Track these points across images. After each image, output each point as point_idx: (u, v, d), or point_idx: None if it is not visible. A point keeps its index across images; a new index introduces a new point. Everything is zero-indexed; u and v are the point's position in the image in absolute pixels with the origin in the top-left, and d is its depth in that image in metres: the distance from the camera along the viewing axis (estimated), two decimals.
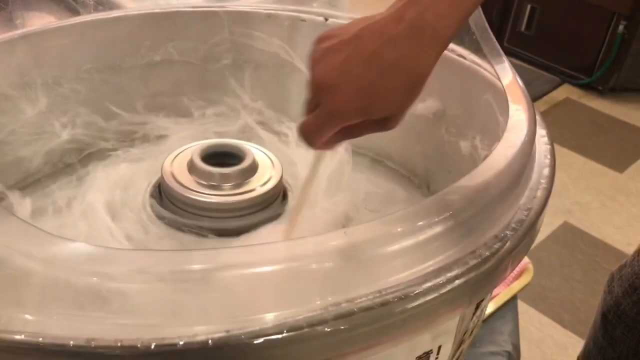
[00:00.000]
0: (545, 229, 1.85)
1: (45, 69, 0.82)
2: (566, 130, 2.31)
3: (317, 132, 0.51)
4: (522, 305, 1.11)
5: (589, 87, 2.59)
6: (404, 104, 0.48)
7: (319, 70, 0.49)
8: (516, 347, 0.92)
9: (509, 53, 2.59)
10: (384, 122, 0.50)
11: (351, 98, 0.47)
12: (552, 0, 2.56)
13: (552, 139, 0.66)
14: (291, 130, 0.87)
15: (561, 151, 2.11)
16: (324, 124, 0.49)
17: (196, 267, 0.42)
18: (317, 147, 0.53)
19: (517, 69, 0.73)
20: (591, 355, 1.01)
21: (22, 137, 0.81)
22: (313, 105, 0.50)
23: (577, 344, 1.50)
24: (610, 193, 2.06)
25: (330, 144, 0.53)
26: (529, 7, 2.65)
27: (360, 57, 0.46)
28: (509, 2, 2.70)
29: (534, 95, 0.56)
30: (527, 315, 1.58)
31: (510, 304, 0.99)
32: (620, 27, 2.40)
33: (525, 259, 0.98)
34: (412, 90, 0.48)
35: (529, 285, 1.01)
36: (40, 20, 0.87)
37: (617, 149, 2.29)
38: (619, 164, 2.20)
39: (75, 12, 0.89)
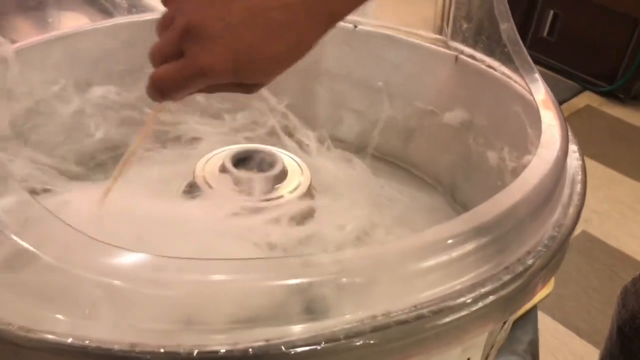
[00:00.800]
0: None
1: (79, 69, 0.84)
2: (586, 138, 2.30)
3: (177, 87, 0.44)
4: (538, 313, 1.11)
5: (610, 95, 2.58)
6: (276, 74, 0.43)
7: (193, 10, 0.41)
8: (535, 357, 0.92)
9: None
10: (249, 87, 0.45)
11: (227, 58, 0.41)
12: (575, 6, 2.54)
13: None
14: (312, 140, 0.88)
15: None
16: (189, 79, 0.43)
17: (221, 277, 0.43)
18: (172, 100, 0.46)
19: None
20: None
21: (56, 138, 0.83)
22: (171, 46, 0.44)
23: (593, 354, 1.50)
24: (629, 202, 2.05)
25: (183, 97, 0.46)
26: (551, 13, 2.63)
27: (247, 13, 0.40)
28: (531, 8, 2.69)
29: None
30: (543, 324, 1.58)
31: (530, 314, 0.99)
32: None
33: None
34: (290, 62, 0.42)
35: None
36: (74, 22, 0.89)
37: (637, 157, 2.28)
38: (639, 173, 2.18)
39: (108, 14, 0.91)
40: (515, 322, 0.95)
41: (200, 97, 0.90)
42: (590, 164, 2.16)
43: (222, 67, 0.41)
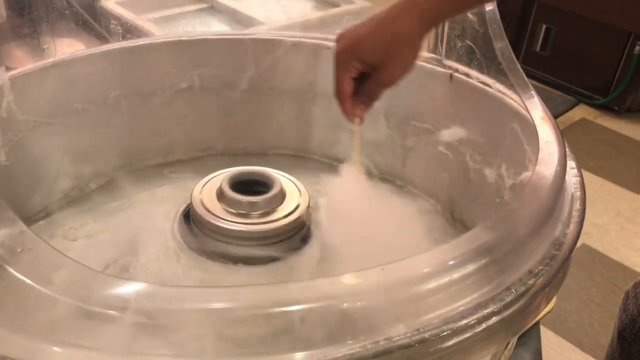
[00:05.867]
0: None
1: (74, 95, 0.84)
2: (582, 151, 2.30)
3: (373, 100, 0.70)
4: (541, 329, 1.10)
5: (605, 108, 2.58)
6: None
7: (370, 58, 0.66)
8: None
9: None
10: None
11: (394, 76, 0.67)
12: (567, 20, 2.56)
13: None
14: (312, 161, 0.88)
15: None
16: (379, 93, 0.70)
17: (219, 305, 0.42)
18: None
19: None
20: None
21: (52, 162, 0.82)
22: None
23: None
24: (628, 214, 2.05)
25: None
26: (543, 27, 2.65)
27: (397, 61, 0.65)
28: (523, 22, 2.70)
29: None
30: (546, 339, 1.57)
31: (532, 331, 0.98)
32: (637, 48, 2.39)
33: None
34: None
35: None
36: (70, 48, 0.89)
37: (635, 169, 2.28)
38: (637, 185, 2.18)
39: (104, 40, 0.91)
40: (518, 340, 0.94)
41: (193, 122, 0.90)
42: (588, 176, 2.15)
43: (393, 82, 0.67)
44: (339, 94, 0.69)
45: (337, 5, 1.42)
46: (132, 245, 0.71)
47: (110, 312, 0.41)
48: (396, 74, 0.66)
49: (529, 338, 0.99)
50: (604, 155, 2.33)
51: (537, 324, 1.01)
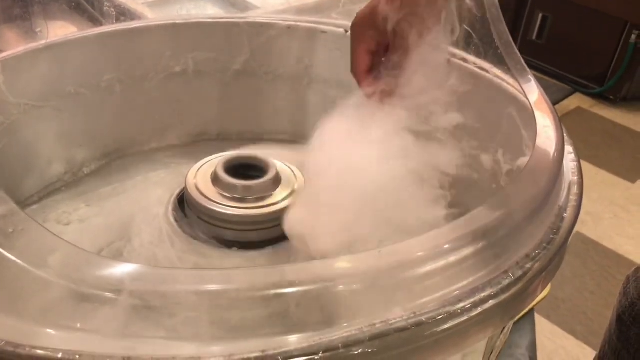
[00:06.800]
0: None
1: (67, 78, 0.83)
2: (577, 139, 2.29)
3: None
4: (535, 316, 1.10)
5: (600, 97, 2.59)
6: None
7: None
8: None
9: None
10: None
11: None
12: (564, 9, 2.55)
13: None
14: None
15: None
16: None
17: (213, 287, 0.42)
18: None
19: None
20: (606, 358, 1.01)
21: (45, 146, 0.82)
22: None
23: (590, 355, 1.49)
24: (622, 203, 2.06)
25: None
26: (540, 15, 2.64)
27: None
28: (519, 11, 2.70)
29: None
30: (540, 326, 1.57)
31: (527, 318, 0.99)
32: (633, 37, 2.40)
33: None
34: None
35: None
36: (63, 30, 0.87)
37: (630, 159, 2.28)
38: (631, 174, 2.19)
39: (97, 23, 0.90)
40: (513, 326, 0.94)
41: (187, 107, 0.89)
42: (583, 165, 2.15)
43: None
44: (353, 69, 0.66)
45: None
46: (126, 230, 0.70)
47: (105, 294, 0.40)
48: (413, 36, 0.63)
49: (524, 325, 0.99)
50: (599, 144, 2.33)
51: (531, 311, 1.02)
